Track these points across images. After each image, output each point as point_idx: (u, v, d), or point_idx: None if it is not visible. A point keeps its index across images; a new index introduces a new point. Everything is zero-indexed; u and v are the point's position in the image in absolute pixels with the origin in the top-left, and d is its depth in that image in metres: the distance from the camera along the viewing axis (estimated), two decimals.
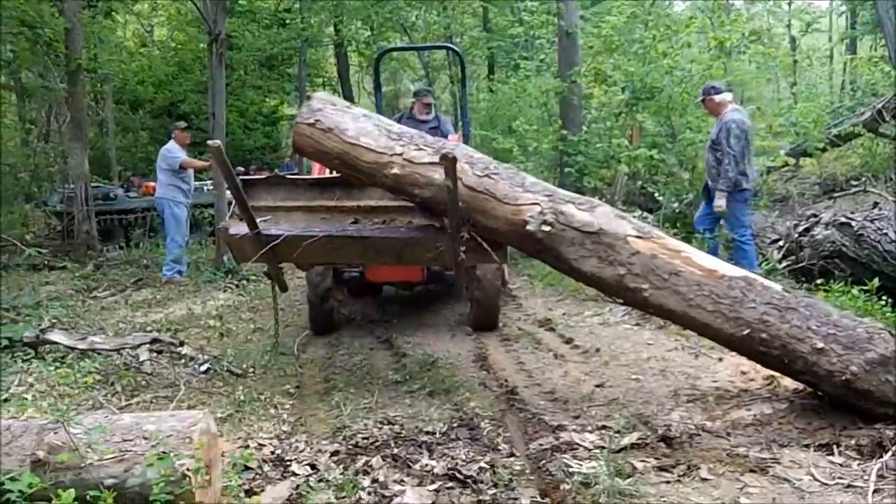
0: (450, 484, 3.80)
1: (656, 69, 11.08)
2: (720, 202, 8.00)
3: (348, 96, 28.30)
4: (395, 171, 4.83)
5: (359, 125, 4.94)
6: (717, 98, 8.37)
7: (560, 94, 12.20)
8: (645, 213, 10.86)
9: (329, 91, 33.28)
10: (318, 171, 7.43)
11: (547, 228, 4.63)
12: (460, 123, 10.47)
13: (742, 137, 7.99)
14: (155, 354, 6.38)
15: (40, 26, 15.16)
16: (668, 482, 3.74)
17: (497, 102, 20.16)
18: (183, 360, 6.40)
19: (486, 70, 28.14)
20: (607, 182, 11.93)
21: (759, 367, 4.94)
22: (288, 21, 24.71)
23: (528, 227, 4.65)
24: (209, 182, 12.34)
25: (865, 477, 3.67)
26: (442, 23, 26.78)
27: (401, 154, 4.83)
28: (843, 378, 4.15)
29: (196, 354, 6.53)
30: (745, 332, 4.38)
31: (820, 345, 4.21)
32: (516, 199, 4.72)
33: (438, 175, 4.67)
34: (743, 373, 5.43)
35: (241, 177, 5.44)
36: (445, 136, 8.21)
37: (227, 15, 12.48)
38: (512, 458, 4.13)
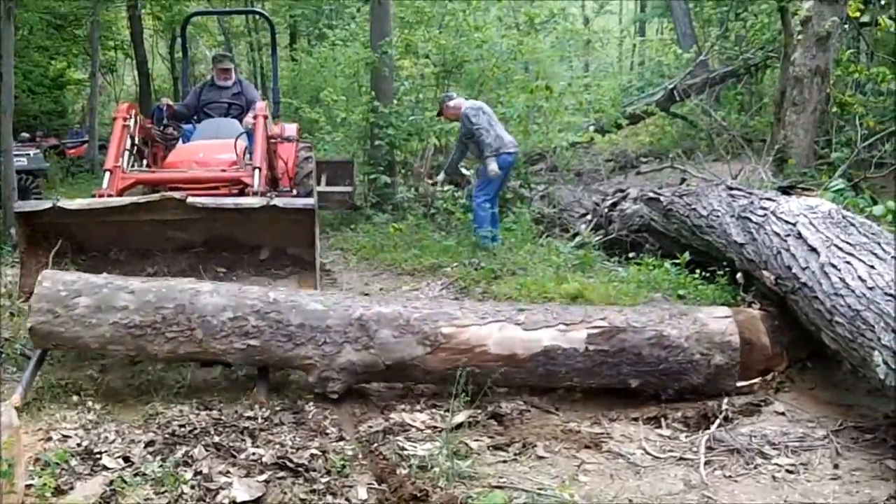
0: (280, 473, 3.62)
1: (468, 42, 11.17)
2: (493, 166, 8.50)
3: (142, 61, 27.01)
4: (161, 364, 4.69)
5: (98, 333, 4.54)
6: (451, 104, 9.10)
7: (371, 64, 12.07)
8: (456, 188, 10.95)
9: (121, 55, 31.74)
10: (119, 132, 6.91)
11: (332, 385, 4.51)
12: (270, 91, 10.22)
13: (479, 114, 8.68)
14: None
15: None
16: (504, 461, 3.76)
17: (301, 72, 19.79)
18: None
19: (287, 39, 27.55)
20: (416, 154, 11.95)
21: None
22: None
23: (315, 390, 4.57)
24: None
25: (694, 449, 3.83)
26: None
27: (155, 354, 4.59)
28: None
29: None
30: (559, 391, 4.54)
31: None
32: (290, 361, 4.54)
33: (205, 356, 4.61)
34: None
35: None
36: (251, 102, 8.08)
37: None
38: (342, 443, 4.01)
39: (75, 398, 4.73)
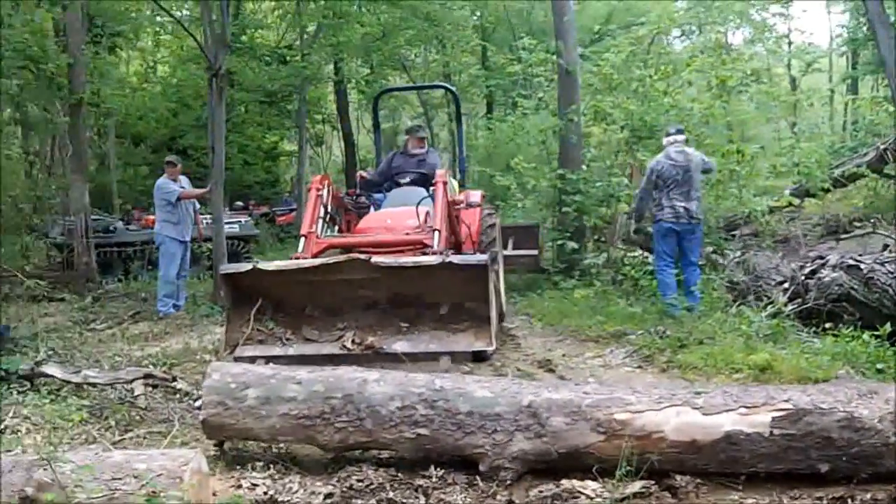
0: None
1: (656, 107, 11.11)
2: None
3: (347, 133, 28.46)
4: (332, 455, 4.67)
5: (267, 425, 4.64)
6: (668, 139, 9.14)
7: (559, 132, 12.20)
8: (645, 253, 10.84)
9: (329, 128, 33.57)
10: (314, 201, 7.47)
11: (504, 473, 4.35)
12: (457, 160, 10.69)
13: (650, 177, 8.99)
14: (150, 389, 6.29)
15: (44, 61, 15.28)
16: None
17: (495, 140, 20.22)
18: (178, 395, 6.30)
19: (484, 108, 28.31)
20: (606, 221, 11.91)
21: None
22: (288, 58, 24.86)
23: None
24: (208, 216, 12.29)
25: None
26: (441, 61, 26.98)
27: (326, 444, 4.60)
28: None
29: (191, 389, 6.41)
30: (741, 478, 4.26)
31: None
32: (461, 450, 4.45)
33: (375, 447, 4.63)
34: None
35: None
36: (433, 168, 8.44)
37: (228, 51, 12.52)
38: None
39: (266, 449, 5.01)
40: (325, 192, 7.71)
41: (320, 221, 7.53)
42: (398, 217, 7.73)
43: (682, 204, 8.81)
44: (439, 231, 6.94)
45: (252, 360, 6.11)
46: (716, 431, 4.15)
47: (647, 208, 9.12)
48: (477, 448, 4.37)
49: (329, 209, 7.88)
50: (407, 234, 7.31)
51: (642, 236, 10.10)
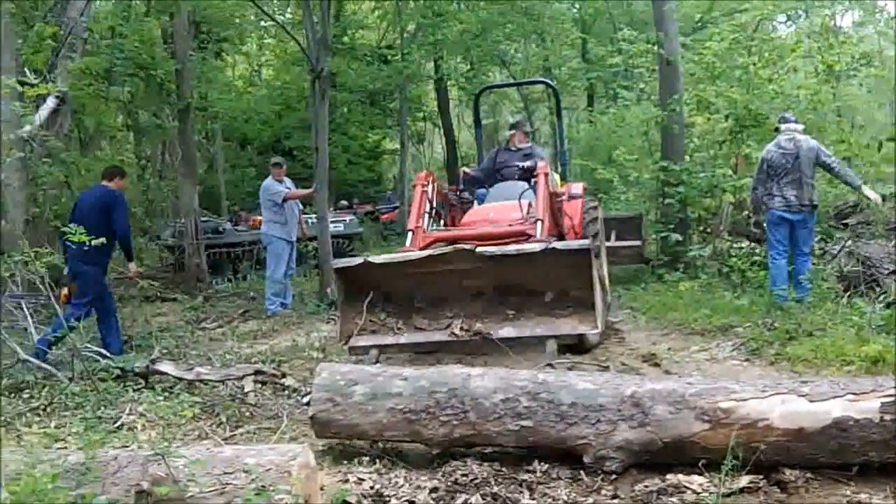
0: None
1: (761, 95, 10.83)
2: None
3: (448, 130, 28.62)
4: (437, 450, 4.70)
5: (374, 420, 4.72)
6: (782, 126, 9.01)
7: (660, 123, 12.03)
8: (753, 244, 10.59)
9: (430, 125, 33.82)
10: (419, 197, 7.70)
11: (609, 464, 4.35)
12: (558, 154, 10.69)
13: (761, 167, 8.92)
14: (259, 385, 6.48)
15: (153, 68, 15.87)
16: None
17: (597, 133, 20.05)
18: (286, 392, 6.47)
19: (585, 101, 28.07)
20: (711, 212, 11.68)
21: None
22: (389, 57, 25.15)
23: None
24: (312, 216, 12.57)
25: None
26: (540, 55, 26.85)
27: (431, 438, 4.65)
28: None
29: (299, 386, 6.58)
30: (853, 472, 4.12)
31: None
32: (564, 441, 4.44)
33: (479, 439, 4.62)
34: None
35: None
36: (536, 161, 8.56)
37: (330, 53, 12.76)
38: (616, 501, 4.00)
39: (373, 443, 5.10)
40: (430, 188, 7.93)
41: (426, 216, 7.74)
42: (501, 210, 7.86)
43: (794, 192, 8.68)
44: (542, 221, 7.07)
45: (366, 349, 6.40)
46: (823, 418, 4.05)
47: (761, 198, 8.94)
48: (580, 439, 4.36)
49: (434, 204, 8.07)
50: (510, 225, 7.43)
51: (750, 227, 9.90)
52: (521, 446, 4.53)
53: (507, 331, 6.34)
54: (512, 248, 6.31)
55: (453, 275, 6.42)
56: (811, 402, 4.11)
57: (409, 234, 7.34)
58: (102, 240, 6.64)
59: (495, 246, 6.54)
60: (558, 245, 6.28)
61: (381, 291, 6.67)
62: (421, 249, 6.92)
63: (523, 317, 6.42)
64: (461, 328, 6.31)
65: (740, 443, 4.07)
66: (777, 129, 9.11)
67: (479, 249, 6.18)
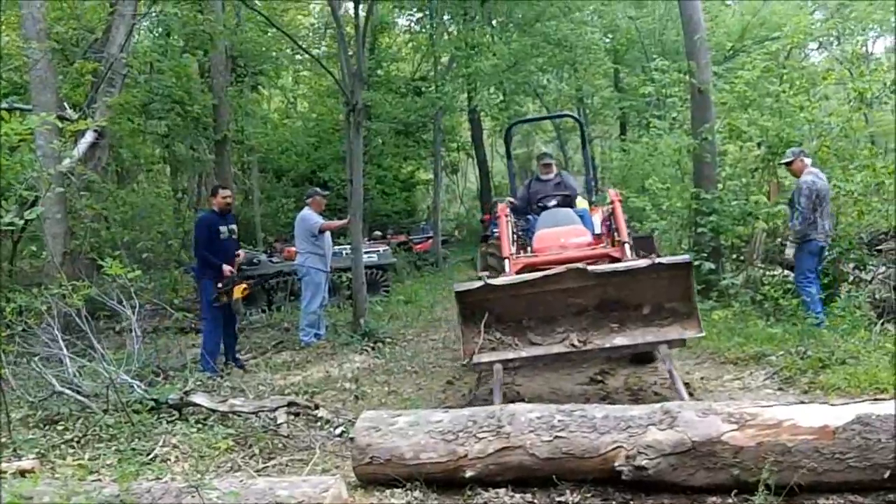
0: None
1: (793, 123, 10.83)
2: (789, 251, 9.11)
3: (482, 160, 28.77)
4: (471, 473, 4.75)
5: (413, 441, 4.90)
6: (804, 160, 9.43)
7: (693, 151, 12.02)
8: (785, 272, 10.54)
9: (463, 156, 34.02)
10: (505, 226, 8.35)
11: (641, 471, 4.45)
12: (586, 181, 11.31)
13: (811, 197, 9.02)
14: (292, 417, 6.55)
15: (190, 102, 16.15)
16: None
17: (630, 161, 20.03)
18: (319, 423, 6.53)
19: (618, 129, 28.12)
20: (744, 240, 11.63)
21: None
22: (423, 89, 25.36)
23: (623, 476, 4.49)
24: (347, 246, 12.69)
25: None
26: (573, 84, 26.95)
27: (465, 455, 4.75)
28: None
29: (332, 417, 6.65)
30: (886, 475, 4.11)
31: None
32: (597, 450, 4.54)
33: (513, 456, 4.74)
34: None
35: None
36: (571, 189, 9.41)
37: (365, 86, 12.92)
38: None
39: (406, 477, 5.10)
40: (512, 219, 8.67)
41: (514, 245, 8.41)
42: (565, 235, 8.26)
43: (828, 222, 9.15)
44: (629, 244, 7.68)
45: (490, 364, 6.62)
46: (846, 415, 4.23)
47: (807, 228, 9.14)
48: (612, 444, 4.52)
49: (516, 233, 8.79)
50: (592, 248, 8.08)
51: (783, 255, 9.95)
52: (554, 457, 4.60)
53: (620, 339, 6.72)
54: (623, 266, 6.80)
55: (561, 294, 6.81)
56: (832, 405, 4.38)
57: (506, 261, 7.75)
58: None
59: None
60: (664, 260, 6.74)
61: (493, 313, 6.92)
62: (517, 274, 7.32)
63: (627, 328, 6.77)
64: (578, 339, 6.65)
65: (770, 452, 4.19)
66: (790, 164, 9.49)
67: (590, 268, 6.67)
